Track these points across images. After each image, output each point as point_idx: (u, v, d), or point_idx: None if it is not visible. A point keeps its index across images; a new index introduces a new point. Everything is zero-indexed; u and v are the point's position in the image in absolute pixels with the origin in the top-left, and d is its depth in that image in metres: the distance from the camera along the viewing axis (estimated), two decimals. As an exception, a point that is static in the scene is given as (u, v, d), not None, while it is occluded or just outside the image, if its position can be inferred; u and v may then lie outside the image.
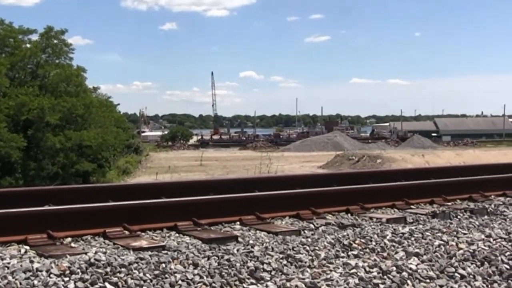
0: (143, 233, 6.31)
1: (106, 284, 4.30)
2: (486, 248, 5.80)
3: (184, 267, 4.70)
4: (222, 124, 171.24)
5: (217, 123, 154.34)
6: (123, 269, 4.51)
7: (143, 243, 5.72)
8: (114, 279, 4.37)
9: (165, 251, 5.27)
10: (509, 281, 5.19)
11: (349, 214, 7.67)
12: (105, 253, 5.11)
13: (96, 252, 5.11)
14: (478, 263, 5.46)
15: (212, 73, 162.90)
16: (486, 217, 7.60)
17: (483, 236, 6.19)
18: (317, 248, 5.49)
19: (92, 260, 4.63)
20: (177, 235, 6.34)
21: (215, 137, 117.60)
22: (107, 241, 5.95)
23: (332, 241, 5.74)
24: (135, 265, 4.62)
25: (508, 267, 5.42)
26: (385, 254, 5.49)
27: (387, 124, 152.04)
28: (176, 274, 4.54)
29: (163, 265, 4.68)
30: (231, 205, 7.11)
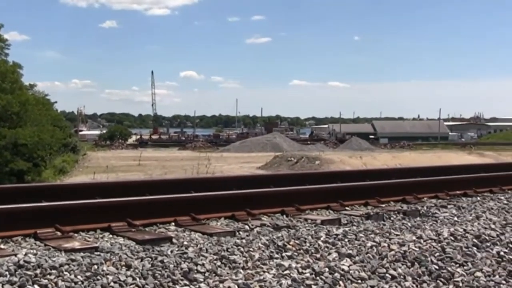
0: (76, 234, 6.22)
1: (36, 286, 4.23)
2: (417, 249, 5.93)
3: (117, 269, 4.66)
4: (162, 124, 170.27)
5: (157, 122, 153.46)
6: (53, 271, 4.44)
7: (76, 244, 5.64)
8: (44, 281, 4.29)
9: (98, 252, 5.20)
10: (438, 281, 5.32)
11: (284, 216, 7.72)
12: (35, 254, 5.00)
13: (26, 254, 5.00)
14: (409, 264, 5.58)
15: (152, 72, 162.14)
16: (418, 218, 7.76)
17: (414, 238, 6.33)
18: (251, 249, 5.51)
19: (21, 262, 4.54)
20: (111, 236, 6.27)
21: (154, 136, 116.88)
22: (38, 242, 5.84)
23: (267, 242, 5.77)
24: (66, 266, 4.55)
25: (437, 267, 5.56)
26: (318, 255, 5.55)
27: (326, 126, 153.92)
28: (108, 276, 4.49)
29: (95, 266, 4.62)
30: (166, 206, 7.07)
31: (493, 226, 7.11)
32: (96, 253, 5.19)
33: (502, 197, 9.88)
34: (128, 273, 4.59)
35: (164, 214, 6.96)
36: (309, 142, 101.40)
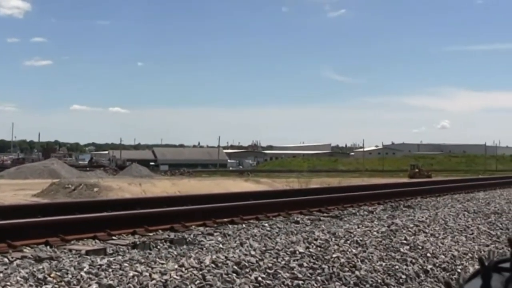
0: None
1: None
2: (178, 277, 6.09)
3: None
4: None
5: None
6: None
7: None
8: None
9: None
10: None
11: (48, 247, 7.54)
12: None
13: None
14: (169, 293, 5.71)
15: None
16: (185, 246, 7.96)
17: (176, 266, 6.49)
18: (8, 283, 5.33)
19: None
20: None
21: None
22: None
23: (26, 275, 5.61)
24: None
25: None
26: (78, 287, 5.50)
27: (107, 152, 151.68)
28: None
29: None
30: None
31: (253, 253, 7.49)
32: None
33: (266, 224, 10.44)
34: None
35: None
36: (88, 169, 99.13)
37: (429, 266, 8.41)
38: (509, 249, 0.77)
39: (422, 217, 11.27)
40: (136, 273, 6.05)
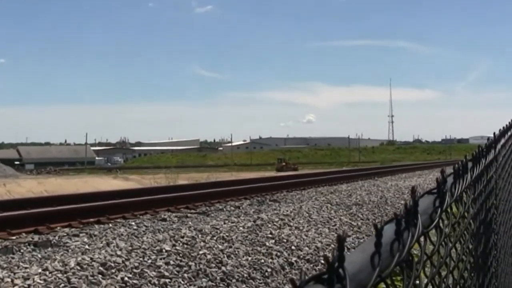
0: None
1: None
2: (42, 282, 5.94)
3: None
4: None
5: None
6: None
7: None
8: None
9: None
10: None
11: None
12: None
13: None
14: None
15: None
16: (50, 249, 7.77)
17: (40, 270, 6.32)
18: None
19: None
20: None
21: None
22: None
23: None
24: None
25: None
26: None
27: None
28: None
29: None
30: None
31: (119, 253, 7.42)
32: None
33: (133, 223, 10.36)
34: None
35: None
36: None
37: (294, 259, 8.67)
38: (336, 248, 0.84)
39: (287, 210, 11.58)
40: (-3, 279, 5.84)
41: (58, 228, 9.56)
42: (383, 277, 0.94)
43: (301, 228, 10.39)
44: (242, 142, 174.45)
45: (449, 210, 1.46)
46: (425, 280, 1.23)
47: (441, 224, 1.36)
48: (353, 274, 0.86)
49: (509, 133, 3.28)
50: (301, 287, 0.77)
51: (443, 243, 1.38)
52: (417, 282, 1.14)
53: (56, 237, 8.64)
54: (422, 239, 1.22)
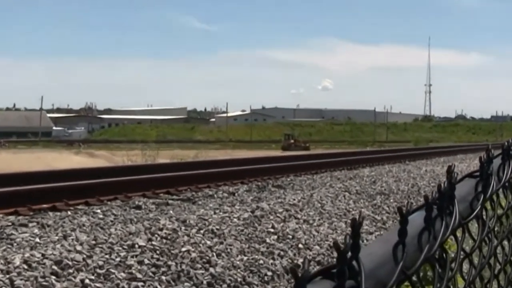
0: None
1: None
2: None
3: None
4: None
5: None
6: None
7: None
8: None
9: None
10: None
11: None
12: None
13: None
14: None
15: None
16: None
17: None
18: None
19: None
20: None
21: None
22: None
23: None
24: None
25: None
26: None
27: None
28: None
29: None
30: None
31: (79, 248, 7.43)
32: None
33: (99, 210, 10.40)
34: None
35: None
36: None
37: (301, 260, 8.70)
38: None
39: (294, 199, 11.61)
40: None
41: (1, 216, 9.55)
42: (408, 274, 0.93)
43: (311, 221, 10.42)
44: (240, 113, 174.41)
45: (494, 198, 1.45)
46: (462, 284, 1.23)
47: (484, 215, 1.35)
48: (370, 269, 0.85)
49: None
50: (304, 283, 0.76)
51: (486, 238, 1.37)
52: (451, 286, 1.12)
53: (-1, 227, 8.68)
54: (459, 231, 1.21)
